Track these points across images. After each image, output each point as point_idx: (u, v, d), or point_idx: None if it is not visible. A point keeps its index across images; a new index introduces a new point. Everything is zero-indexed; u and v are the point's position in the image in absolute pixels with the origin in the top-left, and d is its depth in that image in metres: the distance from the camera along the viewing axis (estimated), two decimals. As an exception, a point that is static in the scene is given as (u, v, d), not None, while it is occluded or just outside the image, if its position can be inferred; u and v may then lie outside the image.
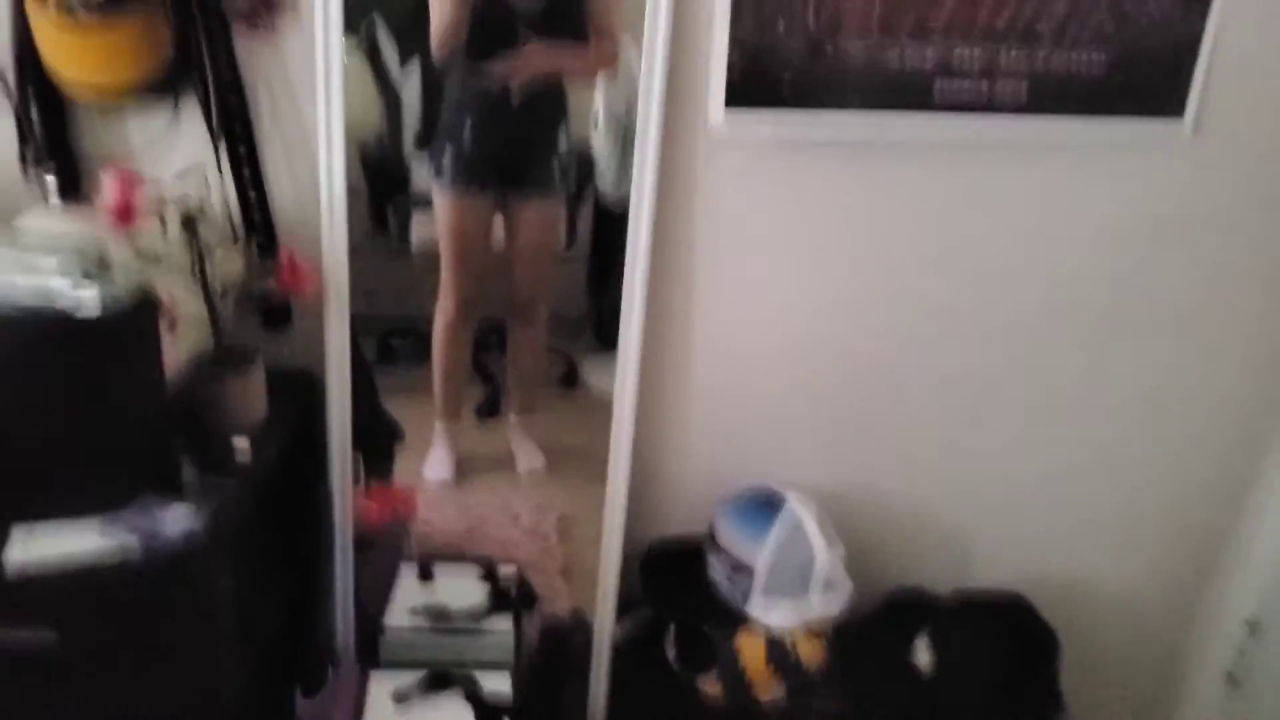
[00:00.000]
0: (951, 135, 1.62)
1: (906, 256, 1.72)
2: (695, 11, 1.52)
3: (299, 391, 1.64)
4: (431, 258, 1.65)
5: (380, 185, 1.73)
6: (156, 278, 1.34)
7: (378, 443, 1.78)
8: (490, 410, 1.85)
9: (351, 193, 1.54)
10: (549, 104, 1.56)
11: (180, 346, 1.45)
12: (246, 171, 1.54)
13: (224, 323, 1.47)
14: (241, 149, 1.52)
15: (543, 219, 1.66)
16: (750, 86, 1.55)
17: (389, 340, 1.81)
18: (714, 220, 1.67)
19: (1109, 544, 2.00)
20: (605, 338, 1.82)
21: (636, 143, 1.54)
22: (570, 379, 1.88)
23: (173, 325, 1.39)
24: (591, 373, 1.89)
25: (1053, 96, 1.61)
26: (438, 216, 1.60)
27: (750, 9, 1.51)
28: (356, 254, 1.55)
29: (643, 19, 1.44)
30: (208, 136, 1.48)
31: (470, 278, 1.65)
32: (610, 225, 1.79)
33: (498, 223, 1.67)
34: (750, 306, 1.73)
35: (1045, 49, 1.58)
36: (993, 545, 1.97)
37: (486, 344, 1.79)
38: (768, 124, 1.58)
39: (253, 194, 1.55)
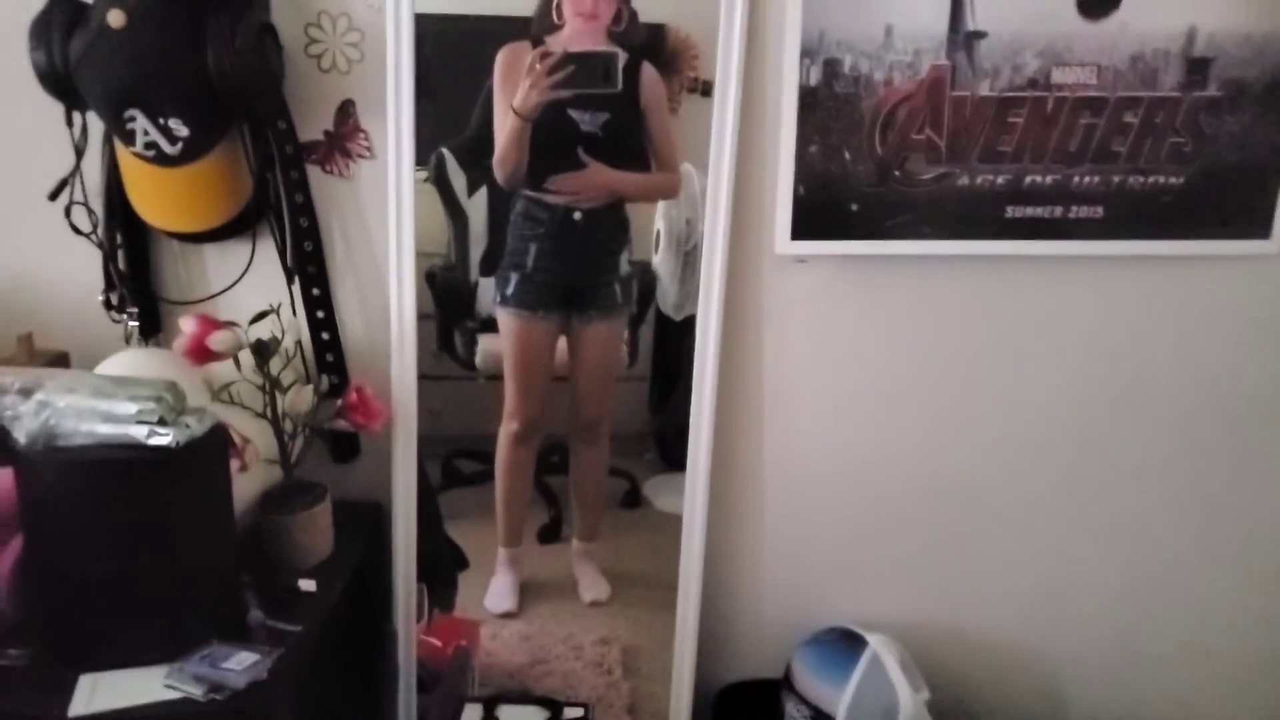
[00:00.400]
0: (1025, 252, 1.58)
1: (982, 374, 1.68)
2: (761, 143, 1.53)
3: (366, 524, 1.63)
4: (496, 379, 1.67)
5: (448, 308, 1.74)
6: (229, 417, 1.35)
7: (442, 572, 1.75)
8: (553, 535, 1.81)
9: (420, 315, 1.58)
10: (611, 226, 1.58)
11: (250, 485, 1.45)
12: (319, 310, 1.55)
13: (293, 460, 1.47)
14: (315, 289, 1.54)
15: (605, 340, 1.66)
16: (817, 216, 1.54)
17: (454, 461, 1.81)
18: (782, 343, 1.65)
19: (1214, 684, 1.87)
20: (669, 456, 1.85)
21: (703, 269, 1.55)
22: (633, 499, 1.85)
23: (243, 465, 1.39)
24: (655, 493, 1.87)
25: (1130, 218, 1.57)
26: (503, 339, 1.62)
27: (816, 139, 1.51)
28: (423, 375, 1.59)
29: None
30: (283, 275, 1.50)
31: (535, 399, 1.65)
32: (673, 342, 1.81)
33: (561, 344, 1.68)
34: (821, 429, 1.69)
35: (1121, 171, 1.55)
36: (1087, 685, 1.85)
37: (550, 464, 1.77)
38: (836, 252, 1.56)
39: (325, 332, 1.56)
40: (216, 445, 1.26)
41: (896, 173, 1.53)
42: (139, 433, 1.20)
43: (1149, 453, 1.74)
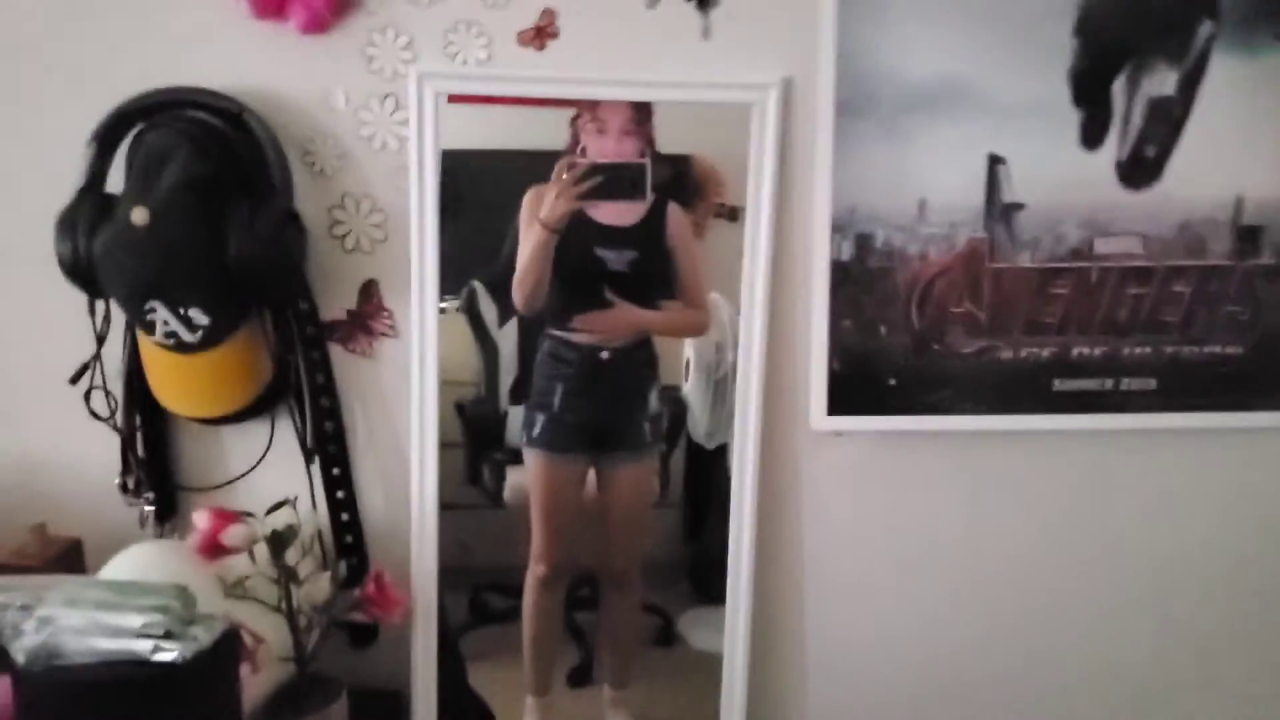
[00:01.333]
0: (1074, 426, 1.50)
1: (1028, 551, 1.58)
2: (793, 317, 1.48)
3: (384, 714, 1.54)
4: (524, 511, 1.61)
5: (477, 438, 1.69)
6: (242, 614, 1.29)
7: None
8: (584, 678, 1.72)
9: (447, 445, 1.55)
10: (639, 364, 1.54)
11: (262, 682, 1.38)
12: (339, 490, 1.51)
13: (308, 653, 1.40)
14: (335, 469, 1.50)
15: (636, 481, 1.59)
16: (853, 391, 1.48)
17: (481, 595, 1.74)
18: (821, 516, 1.57)
19: None
20: (704, 588, 1.78)
21: (735, 443, 1.49)
22: (666, 637, 1.75)
23: (255, 666, 1.32)
24: (690, 629, 1.77)
25: (1185, 389, 1.49)
26: (530, 480, 1.56)
27: (850, 314, 1.46)
28: (451, 506, 1.56)
29: (737, 273, 1.45)
30: (302, 458, 1.46)
31: (563, 541, 1.58)
32: (705, 469, 1.77)
33: (591, 479, 1.62)
34: (863, 602, 1.60)
35: (1174, 342, 1.48)
36: None
37: (579, 599, 1.69)
38: (874, 429, 1.49)
39: (344, 513, 1.51)
40: (226, 655, 1.20)
41: (936, 346, 1.47)
42: (143, 647, 1.13)
43: (1209, 638, 1.62)
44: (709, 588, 1.78)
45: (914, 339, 1.47)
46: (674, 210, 1.47)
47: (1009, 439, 1.48)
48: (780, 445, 1.53)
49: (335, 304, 1.48)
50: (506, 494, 1.63)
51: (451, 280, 1.43)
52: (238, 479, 1.48)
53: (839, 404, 1.48)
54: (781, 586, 1.60)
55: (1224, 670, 1.65)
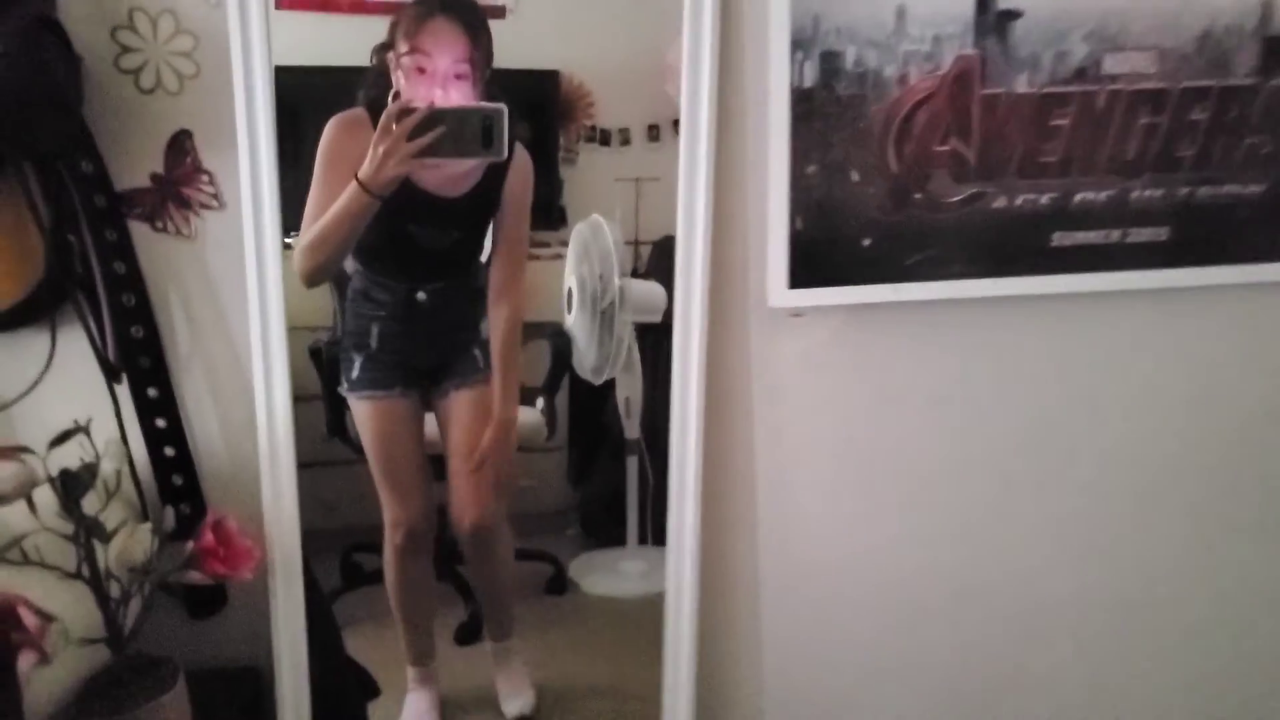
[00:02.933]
0: (1076, 289, 1.25)
1: (1021, 442, 1.35)
2: (742, 167, 1.18)
3: (240, 696, 1.20)
4: None
5: (337, 386, 1.54)
6: (20, 584, 0.93)
7: (346, 708, 1.36)
8: (473, 634, 1.56)
9: (308, 398, 1.39)
10: (463, 299, 1.36)
11: (63, 674, 1.03)
12: (159, 417, 1.14)
13: (126, 629, 1.04)
14: (151, 389, 1.13)
15: (474, 409, 1.38)
16: (819, 257, 1.19)
17: (353, 557, 1.61)
18: (778, 414, 1.30)
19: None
20: (594, 532, 1.75)
21: (676, 331, 1.20)
22: (558, 584, 1.67)
23: (44, 657, 0.96)
24: (582, 574, 1.70)
25: (1200, 240, 1.25)
26: (361, 430, 1.38)
27: (815, 157, 1.16)
28: (312, 463, 1.38)
29: (612, 194, 1.37)
30: (101, 377, 1.08)
31: (414, 498, 1.40)
32: (592, 408, 1.74)
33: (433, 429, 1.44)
34: (828, 515, 1.34)
35: (1188, 181, 1.23)
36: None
37: (458, 552, 1.51)
38: (844, 301, 1.21)
39: (168, 446, 1.14)
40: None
41: (917, 195, 1.19)
42: None
43: (1229, 523, 1.42)
44: (600, 531, 1.78)
45: (892, 186, 1.18)
46: (520, 161, 1.26)
47: (1001, 310, 1.28)
48: (728, 330, 1.25)
49: (134, 166, 1.11)
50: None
51: (294, 212, 1.16)
52: (7, 405, 1.09)
53: (802, 274, 1.19)
54: (732, 507, 1.32)
55: (1240, 563, 1.45)
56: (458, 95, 1.15)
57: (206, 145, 1.11)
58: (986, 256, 1.23)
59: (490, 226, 1.30)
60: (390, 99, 1.15)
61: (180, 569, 1.06)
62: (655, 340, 1.61)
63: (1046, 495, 1.37)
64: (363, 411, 1.37)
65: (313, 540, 1.54)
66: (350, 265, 1.37)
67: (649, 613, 1.37)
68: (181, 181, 1.12)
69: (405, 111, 1.08)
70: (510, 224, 1.28)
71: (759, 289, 1.21)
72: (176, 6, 1.07)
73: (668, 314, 1.46)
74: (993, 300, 1.26)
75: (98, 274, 1.08)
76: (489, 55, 1.20)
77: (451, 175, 1.25)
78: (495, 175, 1.25)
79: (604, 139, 1.56)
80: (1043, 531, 1.38)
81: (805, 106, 1.15)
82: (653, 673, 1.31)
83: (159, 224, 1.13)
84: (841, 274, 1.20)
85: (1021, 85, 1.18)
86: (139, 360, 1.13)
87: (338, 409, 1.57)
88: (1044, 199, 1.22)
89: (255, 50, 1.04)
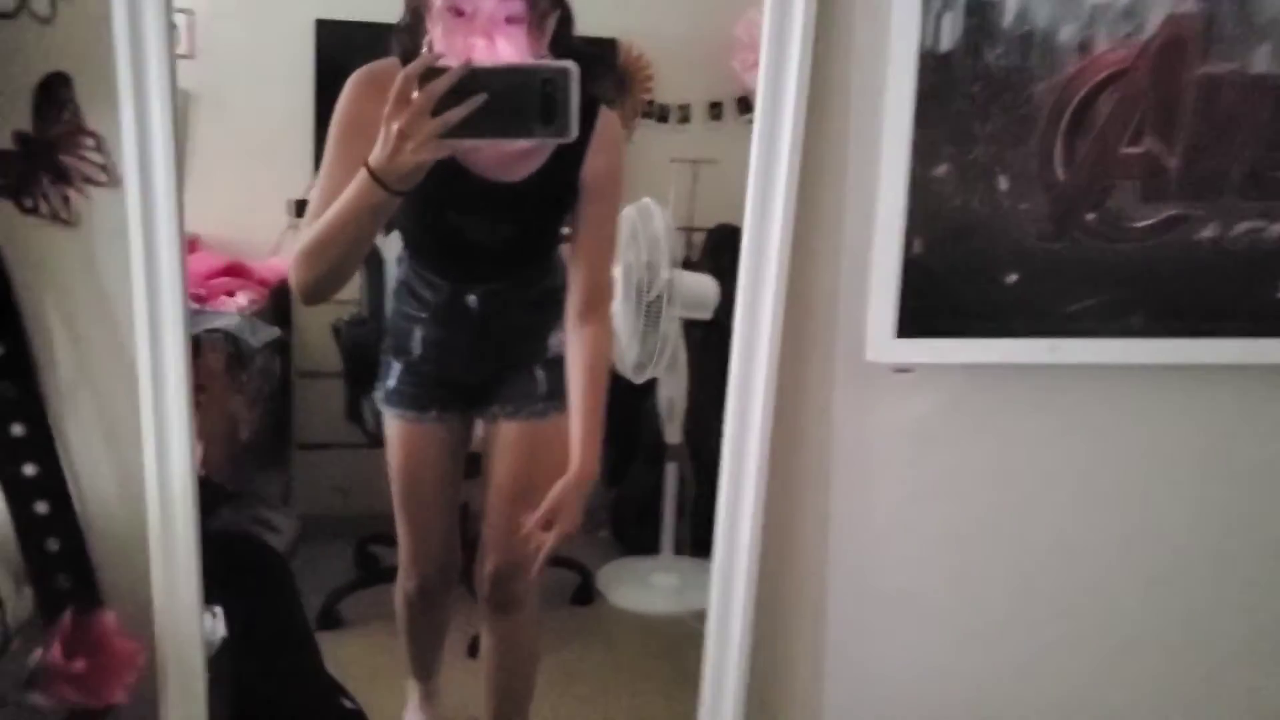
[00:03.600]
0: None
1: (1201, 540, 1.01)
2: (838, 165, 0.84)
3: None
4: None
5: (356, 369, 1.52)
6: None
7: None
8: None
9: (327, 375, 1.51)
10: (526, 306, 1.14)
11: None
12: (27, 462, 0.84)
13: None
14: (16, 427, 0.83)
15: (523, 446, 1.17)
16: (942, 297, 0.85)
17: (368, 549, 1.61)
18: (864, 487, 0.97)
19: None
20: (626, 537, 1.71)
21: (732, 391, 0.88)
22: (584, 594, 1.61)
23: None
24: (610, 584, 1.64)
25: None
26: (388, 451, 1.22)
27: (948, 152, 0.81)
28: (328, 444, 1.51)
29: (668, 174, 1.31)
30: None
31: (434, 542, 1.24)
32: (631, 406, 1.65)
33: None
34: (916, 600, 1.01)
35: None
36: None
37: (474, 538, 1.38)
38: (972, 359, 0.86)
39: (40, 503, 0.85)
40: None
41: (1089, 216, 0.85)
42: None
43: None
44: (632, 537, 1.72)
45: (1056, 201, 0.83)
46: (606, 133, 1.00)
47: (1198, 378, 0.93)
48: (805, 392, 0.90)
49: None
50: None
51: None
52: None
53: (915, 318, 0.84)
54: (794, 594, 0.98)
55: None
56: (508, 47, 0.85)
57: (91, 95, 0.80)
58: (1184, 307, 0.88)
59: (562, 219, 1.05)
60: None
61: (19, 691, 0.76)
62: (704, 338, 1.52)
63: (1220, 609, 1.01)
64: (393, 431, 1.20)
65: (326, 527, 1.63)
66: (395, 249, 1.20)
67: (680, 632, 1.27)
68: (59, 146, 0.81)
69: (431, 72, 0.76)
70: (594, 217, 1.02)
71: (853, 333, 0.88)
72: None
73: (719, 310, 1.41)
74: (1188, 369, 0.92)
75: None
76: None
77: (508, 153, 0.97)
78: (571, 153, 0.96)
79: (662, 115, 1.50)
80: (1204, 647, 1.03)
81: (939, 79, 0.81)
82: (682, 705, 1.04)
83: (28, 203, 0.82)
84: (972, 321, 0.86)
85: (1260, 62, 0.81)
86: (-2, 387, 0.83)
87: (357, 392, 1.53)
88: (1275, 230, 0.85)
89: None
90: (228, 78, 1.92)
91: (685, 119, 1.83)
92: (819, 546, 0.96)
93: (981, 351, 0.86)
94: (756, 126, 0.79)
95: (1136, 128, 0.82)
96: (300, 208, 1.86)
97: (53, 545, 0.88)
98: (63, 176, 0.82)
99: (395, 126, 0.77)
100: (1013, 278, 0.84)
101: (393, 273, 1.54)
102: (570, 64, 0.77)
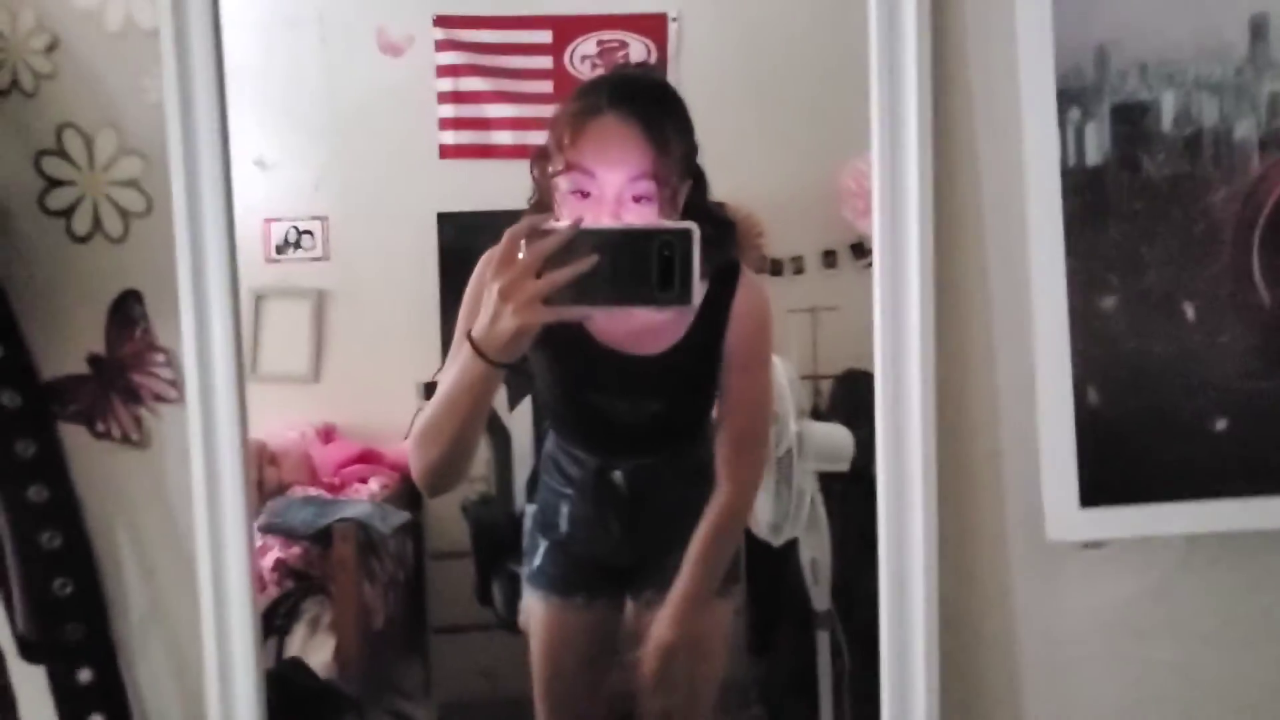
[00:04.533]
0: None
1: None
2: (980, 296, 0.71)
3: None
4: None
5: (485, 549, 1.51)
6: None
7: None
8: None
9: (457, 555, 1.54)
10: (676, 480, 1.07)
11: None
12: (97, 716, 0.77)
13: None
14: (84, 673, 0.77)
15: (688, 637, 1.06)
16: (1133, 456, 0.68)
17: None
18: (1059, 690, 0.76)
19: None
20: (780, 715, 1.60)
21: (883, 582, 0.73)
22: None
23: None
24: None
25: None
26: (530, 633, 1.17)
27: (1112, 281, 0.67)
28: (465, 627, 1.54)
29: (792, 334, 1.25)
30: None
31: None
32: (771, 568, 1.54)
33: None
34: None
35: None
36: None
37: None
38: (1177, 529, 0.69)
39: None
40: None
41: None
42: None
43: None
44: (787, 715, 1.62)
45: (1264, 327, 0.67)
46: (750, 298, 0.95)
47: None
48: (977, 573, 0.74)
49: (64, 346, 0.77)
50: (521, 621, 1.30)
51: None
52: None
53: (1102, 484, 0.68)
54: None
55: None
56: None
57: (161, 310, 0.76)
58: None
59: (712, 391, 0.98)
60: None
61: None
62: (844, 492, 1.43)
63: None
64: (536, 612, 1.14)
65: (467, 713, 1.64)
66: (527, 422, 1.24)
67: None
68: (130, 365, 0.77)
69: (539, 234, 0.70)
70: (742, 386, 0.96)
71: (1026, 506, 0.71)
72: (121, 118, 0.74)
73: (856, 461, 1.31)
74: None
75: (0, 506, 0.73)
76: (686, 167, 0.87)
77: (644, 324, 0.91)
78: (715, 320, 0.91)
79: (775, 269, 1.50)
80: None
81: (1090, 199, 0.68)
82: None
83: (100, 427, 0.78)
84: (1177, 481, 0.69)
85: None
86: (66, 630, 0.76)
87: (486, 574, 1.50)
88: None
89: (203, 165, 0.68)
90: (360, 274, 2.02)
91: (800, 270, 1.78)
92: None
93: (1194, 518, 0.69)
94: (876, 272, 0.68)
95: (1354, 229, 0.67)
96: (429, 390, 1.92)
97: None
98: (133, 396, 0.78)
99: (497, 287, 0.70)
100: (1221, 424, 0.68)
101: (519, 450, 1.50)
102: (691, 225, 0.70)
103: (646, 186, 0.81)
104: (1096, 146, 0.67)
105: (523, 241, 0.69)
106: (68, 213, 0.76)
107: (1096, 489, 0.68)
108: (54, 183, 0.76)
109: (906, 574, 0.70)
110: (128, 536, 0.79)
